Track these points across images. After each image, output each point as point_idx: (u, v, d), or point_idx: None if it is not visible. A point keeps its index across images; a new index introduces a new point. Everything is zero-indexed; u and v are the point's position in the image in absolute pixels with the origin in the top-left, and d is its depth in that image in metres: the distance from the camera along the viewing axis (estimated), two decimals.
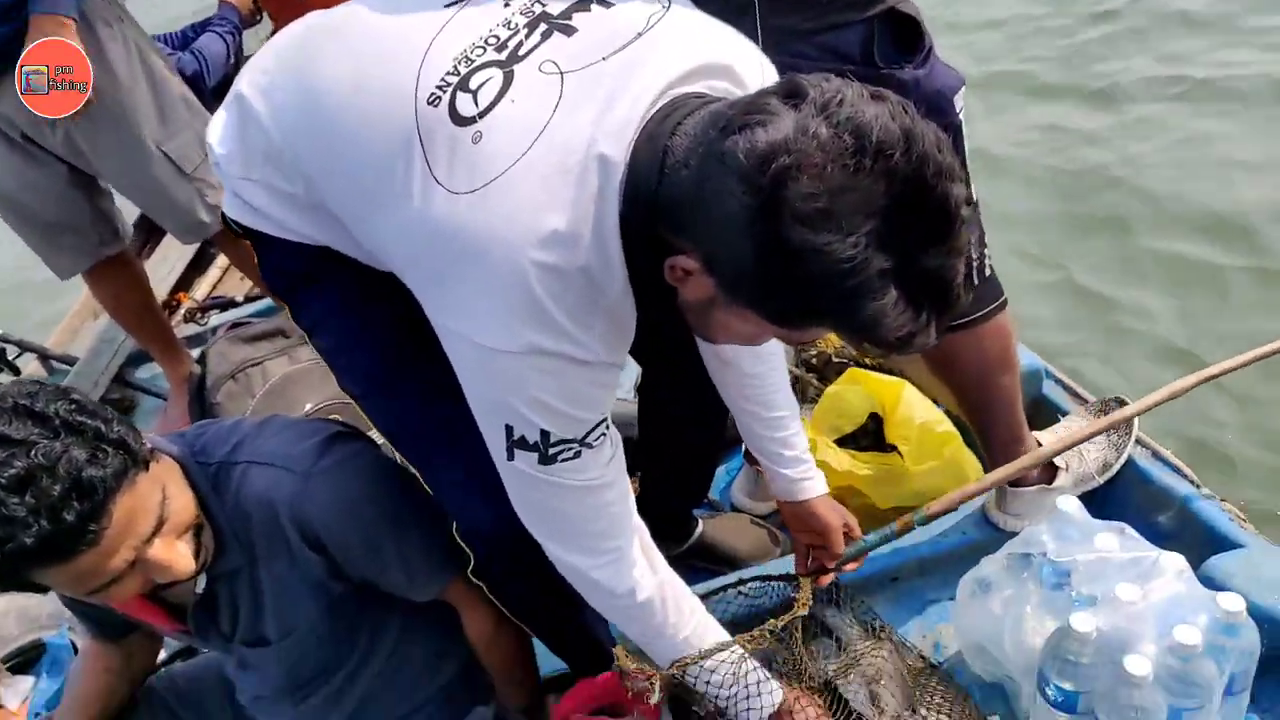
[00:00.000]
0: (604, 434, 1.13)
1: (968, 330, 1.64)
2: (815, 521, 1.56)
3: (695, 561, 1.96)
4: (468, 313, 1.03)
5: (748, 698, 1.35)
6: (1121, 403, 1.98)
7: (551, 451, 1.09)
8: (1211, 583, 1.57)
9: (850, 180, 0.85)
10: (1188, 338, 3.13)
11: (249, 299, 3.32)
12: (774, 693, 1.37)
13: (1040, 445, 1.89)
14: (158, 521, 1.15)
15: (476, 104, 1.02)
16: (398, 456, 1.41)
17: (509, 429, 1.08)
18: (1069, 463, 1.89)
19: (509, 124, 1.01)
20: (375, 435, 1.44)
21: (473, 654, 1.53)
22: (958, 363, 1.73)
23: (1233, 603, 1.32)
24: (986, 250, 1.62)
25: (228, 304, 3.31)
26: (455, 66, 1.05)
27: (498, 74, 1.03)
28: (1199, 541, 1.72)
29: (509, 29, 1.07)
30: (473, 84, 1.03)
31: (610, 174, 0.99)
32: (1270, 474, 2.69)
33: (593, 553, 1.23)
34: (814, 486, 1.56)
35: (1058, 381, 2.17)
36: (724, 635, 1.37)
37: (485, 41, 1.06)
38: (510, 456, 1.11)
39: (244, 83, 1.26)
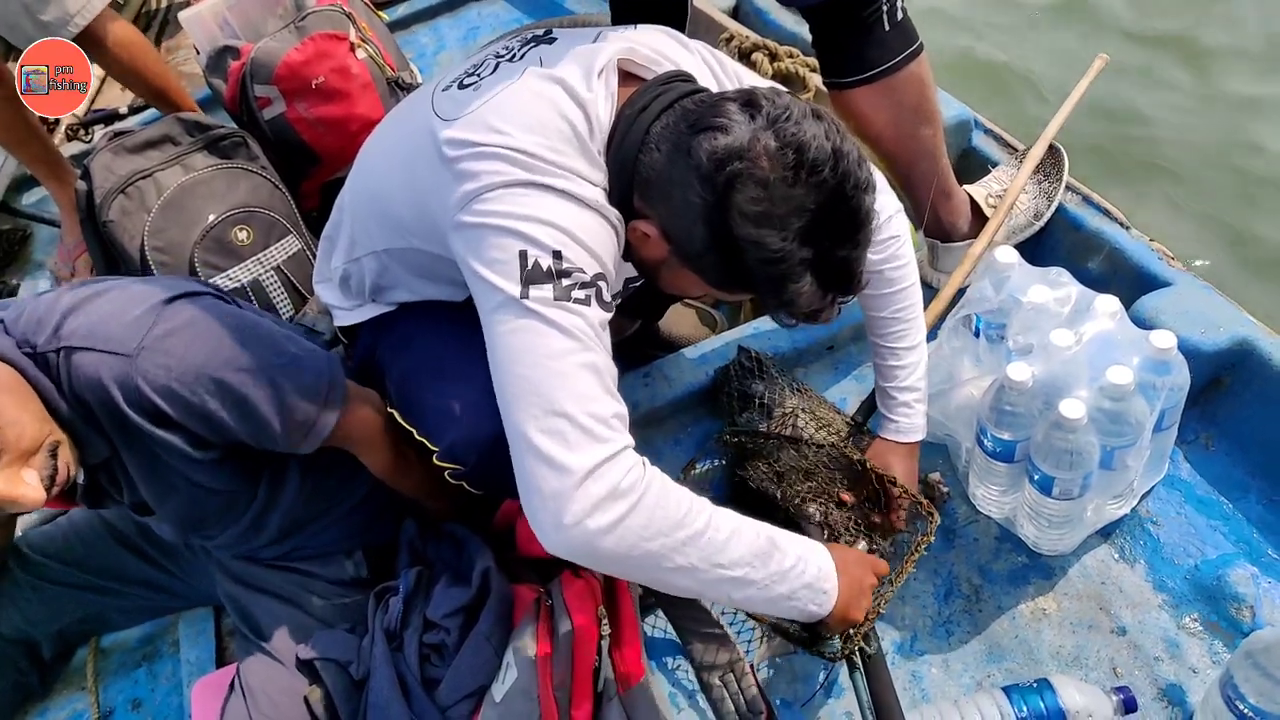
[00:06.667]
0: (609, 297, 1.14)
1: (879, 82, 1.55)
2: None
3: (644, 349, 1.98)
4: (485, 166, 1.13)
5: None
6: (1052, 149, 1.95)
7: (565, 284, 1.09)
8: (1142, 322, 1.59)
9: (787, 190, 1.05)
10: None
11: (133, 110, 3.07)
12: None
13: (970, 198, 1.86)
14: None
15: (479, 76, 1.25)
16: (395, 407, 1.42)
17: (523, 256, 1.09)
18: None
19: (499, 74, 1.23)
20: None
21: None
22: (876, 116, 1.65)
23: (1164, 339, 1.33)
24: None
25: (112, 116, 3.06)
26: (463, 76, 1.29)
27: (494, 62, 1.28)
28: (1130, 283, 1.74)
29: (506, 50, 1.30)
30: (476, 73, 1.28)
31: (596, 99, 1.17)
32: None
33: (597, 439, 1.05)
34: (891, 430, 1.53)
35: (987, 131, 2.11)
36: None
37: (487, 58, 1.31)
38: (525, 294, 1.08)
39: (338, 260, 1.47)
